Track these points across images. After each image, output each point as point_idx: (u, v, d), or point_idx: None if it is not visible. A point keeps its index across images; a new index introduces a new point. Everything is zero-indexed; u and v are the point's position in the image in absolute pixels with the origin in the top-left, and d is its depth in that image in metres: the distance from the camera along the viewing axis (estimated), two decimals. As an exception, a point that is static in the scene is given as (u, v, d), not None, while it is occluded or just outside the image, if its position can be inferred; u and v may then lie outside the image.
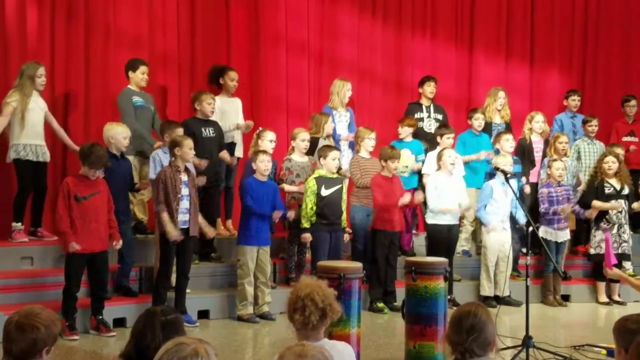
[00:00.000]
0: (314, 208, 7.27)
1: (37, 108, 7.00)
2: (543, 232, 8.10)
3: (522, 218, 8.02)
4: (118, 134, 6.76)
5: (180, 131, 7.04)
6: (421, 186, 8.34)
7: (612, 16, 10.60)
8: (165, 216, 6.45)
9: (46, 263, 6.91)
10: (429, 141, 8.69)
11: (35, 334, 2.86)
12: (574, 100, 9.57)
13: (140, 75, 7.50)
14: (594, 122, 9.23)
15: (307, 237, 7.29)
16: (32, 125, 6.93)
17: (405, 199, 7.64)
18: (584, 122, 9.31)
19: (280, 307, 6.89)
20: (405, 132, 8.47)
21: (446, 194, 7.77)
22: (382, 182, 7.63)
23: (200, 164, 7.10)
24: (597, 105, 10.33)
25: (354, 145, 8.25)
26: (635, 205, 8.63)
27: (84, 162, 6.21)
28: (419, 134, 8.73)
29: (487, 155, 8.47)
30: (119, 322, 6.58)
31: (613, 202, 8.29)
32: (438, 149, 8.25)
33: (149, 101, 7.62)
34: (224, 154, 7.59)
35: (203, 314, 7.10)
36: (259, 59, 8.86)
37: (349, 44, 9.41)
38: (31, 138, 6.94)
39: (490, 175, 8.30)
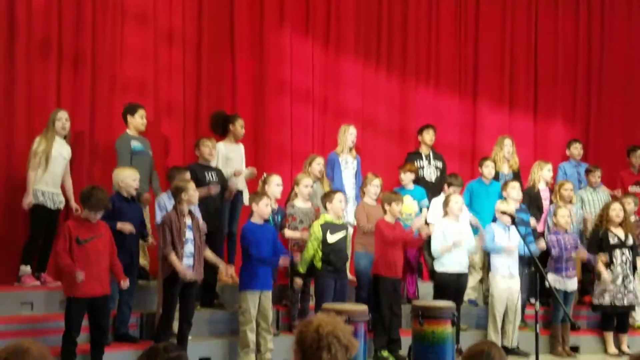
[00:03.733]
0: (319, 253, 7.21)
1: (60, 157, 7.02)
2: (552, 280, 7.98)
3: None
4: (127, 177, 6.75)
5: (187, 176, 7.04)
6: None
7: (615, 67, 10.69)
8: (174, 257, 6.42)
9: (46, 309, 6.80)
10: (430, 189, 8.65)
11: None
12: (576, 149, 9.58)
13: (139, 120, 7.48)
14: (598, 172, 9.21)
15: (299, 282, 7.29)
16: (53, 173, 6.95)
17: (416, 223, 7.60)
18: (587, 172, 9.29)
19: (283, 354, 6.81)
20: (407, 178, 8.46)
21: (452, 240, 7.68)
22: (385, 227, 7.57)
23: (210, 190, 7.22)
24: (601, 155, 10.34)
25: (359, 196, 8.24)
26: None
27: (84, 205, 6.19)
28: (419, 182, 8.71)
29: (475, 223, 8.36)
30: (119, 369, 6.46)
31: (617, 253, 8.16)
32: (442, 195, 8.21)
33: (147, 146, 7.58)
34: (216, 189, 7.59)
35: (204, 361, 6.98)
36: (264, 106, 8.93)
37: (353, 93, 9.48)
38: (50, 185, 6.96)
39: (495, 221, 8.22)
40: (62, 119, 7.04)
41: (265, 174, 7.74)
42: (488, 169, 8.69)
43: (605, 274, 8.20)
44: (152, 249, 7.40)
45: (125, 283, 6.31)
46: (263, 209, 6.98)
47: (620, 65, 10.70)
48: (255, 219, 7.03)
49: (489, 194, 8.67)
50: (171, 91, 8.44)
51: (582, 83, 10.64)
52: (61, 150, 7.04)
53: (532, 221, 8.45)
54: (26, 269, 6.94)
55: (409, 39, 9.89)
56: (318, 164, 8.06)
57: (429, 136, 8.97)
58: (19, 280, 6.94)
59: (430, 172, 8.91)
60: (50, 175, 6.92)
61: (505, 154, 9.04)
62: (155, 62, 8.33)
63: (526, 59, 10.50)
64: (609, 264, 8.24)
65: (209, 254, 6.78)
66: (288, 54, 9.12)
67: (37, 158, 6.83)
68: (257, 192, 7.35)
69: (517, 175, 9.02)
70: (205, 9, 8.64)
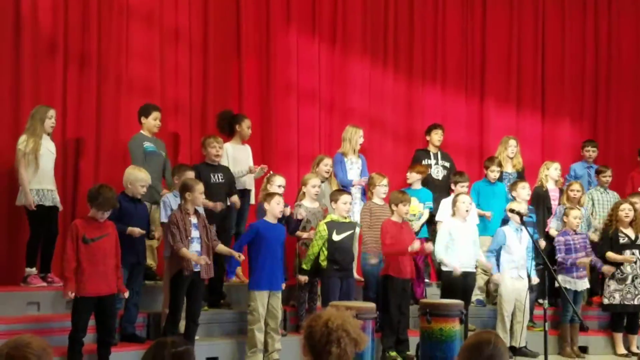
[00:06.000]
0: (325, 252, 7.17)
1: (49, 152, 6.97)
2: (561, 280, 7.92)
3: (532, 271, 7.85)
4: (137, 180, 6.70)
5: (191, 174, 7.00)
6: (433, 233, 8.23)
7: (622, 66, 10.64)
8: (185, 251, 6.38)
9: (53, 309, 6.77)
10: (437, 188, 8.61)
11: None
12: (589, 151, 9.54)
13: (152, 122, 7.49)
14: (608, 172, 9.15)
15: (303, 279, 7.24)
16: (43, 170, 6.89)
17: (415, 245, 7.43)
18: (598, 172, 9.24)
19: (291, 354, 6.76)
20: (414, 177, 8.43)
21: (459, 239, 7.64)
22: (392, 228, 7.51)
23: (216, 207, 7.08)
24: (610, 156, 10.28)
25: (365, 194, 8.20)
26: (605, 268, 8.25)
27: (92, 204, 6.14)
28: (427, 180, 8.67)
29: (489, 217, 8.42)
30: (126, 369, 6.42)
31: (627, 253, 8.13)
32: (452, 195, 8.17)
33: (160, 147, 7.58)
34: (235, 199, 7.52)
35: (212, 361, 6.93)
36: (270, 107, 8.90)
37: (360, 93, 9.46)
38: (43, 183, 6.90)
39: (504, 222, 8.18)
40: (53, 117, 6.99)
41: (270, 172, 7.72)
42: (494, 174, 8.67)
43: (611, 270, 8.15)
44: (160, 249, 7.35)
45: (125, 294, 6.31)
46: (275, 207, 6.94)
47: (628, 65, 10.65)
48: (269, 218, 6.99)
49: (495, 194, 8.64)
50: (177, 91, 8.41)
51: (589, 83, 10.59)
52: (48, 146, 6.98)
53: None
54: (31, 270, 6.91)
55: (416, 39, 9.86)
56: (326, 165, 8.05)
57: (437, 136, 8.94)
58: (24, 281, 6.91)
59: (437, 171, 8.88)
60: (42, 172, 6.86)
61: (509, 154, 9.01)
62: (162, 62, 8.30)
63: (533, 59, 10.46)
64: (617, 266, 8.18)
65: (222, 247, 6.78)
66: (294, 54, 9.11)
67: (27, 158, 6.77)
68: (269, 192, 7.30)
69: (520, 175, 8.98)
70: (211, 9, 8.62)
